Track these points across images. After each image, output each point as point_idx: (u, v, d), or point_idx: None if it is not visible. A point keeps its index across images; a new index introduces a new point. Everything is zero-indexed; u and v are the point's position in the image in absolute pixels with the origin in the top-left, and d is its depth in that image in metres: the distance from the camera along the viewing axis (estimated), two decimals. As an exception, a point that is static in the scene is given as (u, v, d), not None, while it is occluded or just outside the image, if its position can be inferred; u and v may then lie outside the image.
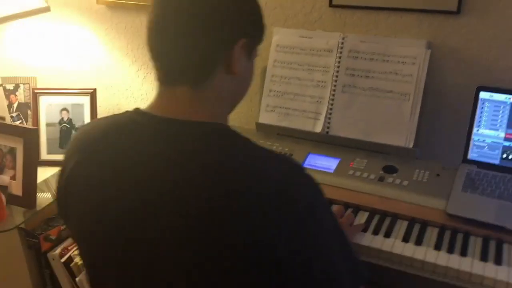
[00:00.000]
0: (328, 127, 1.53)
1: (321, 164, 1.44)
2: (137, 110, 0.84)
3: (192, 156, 0.75)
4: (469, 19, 1.39)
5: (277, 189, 0.72)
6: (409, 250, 1.14)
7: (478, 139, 1.35)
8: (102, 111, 2.00)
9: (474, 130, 1.35)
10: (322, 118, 1.54)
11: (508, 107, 1.31)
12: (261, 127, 1.62)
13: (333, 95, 1.53)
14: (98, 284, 0.84)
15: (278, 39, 1.60)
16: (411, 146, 1.42)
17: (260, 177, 0.73)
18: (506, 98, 1.31)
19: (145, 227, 0.74)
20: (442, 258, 1.11)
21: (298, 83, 1.58)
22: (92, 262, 0.83)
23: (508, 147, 1.32)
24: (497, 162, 1.33)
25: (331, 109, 1.53)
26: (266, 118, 1.61)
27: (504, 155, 1.32)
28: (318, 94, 1.55)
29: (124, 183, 0.76)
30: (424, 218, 1.22)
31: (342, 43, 1.52)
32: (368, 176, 1.37)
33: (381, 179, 1.35)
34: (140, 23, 1.85)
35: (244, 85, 0.89)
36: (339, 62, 1.52)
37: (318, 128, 1.54)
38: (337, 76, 1.52)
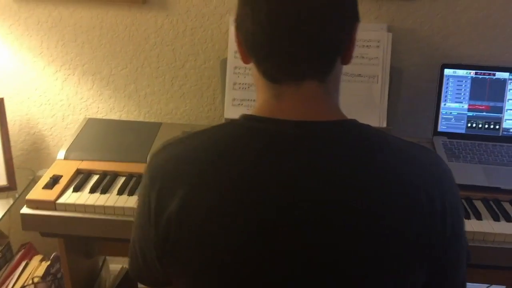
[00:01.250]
0: (302, 116, 1.52)
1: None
2: (253, 117, 0.74)
3: (353, 159, 0.69)
4: (422, 4, 1.50)
5: (437, 179, 0.73)
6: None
7: (446, 112, 1.48)
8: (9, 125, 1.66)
9: (442, 104, 1.48)
10: (295, 107, 1.51)
11: (469, 81, 1.46)
12: (230, 122, 1.52)
13: (304, 83, 1.51)
14: None
15: (236, 29, 1.51)
16: (384, 125, 1.49)
17: (419, 168, 0.72)
18: (467, 73, 1.46)
19: (315, 240, 0.67)
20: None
21: (265, 74, 1.52)
22: None
23: (472, 116, 1.47)
24: (463, 131, 1.48)
25: (303, 97, 1.51)
26: (234, 112, 1.52)
27: (469, 124, 1.48)
28: (287, 83, 1.52)
29: (286, 197, 0.67)
30: (427, 190, 1.30)
31: (307, 30, 1.51)
32: (361, 159, 1.40)
33: (373, 160, 1.39)
34: (59, 16, 1.56)
35: None
36: (306, 49, 1.51)
37: (293, 118, 1.51)
38: (305, 64, 1.51)
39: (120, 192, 1.26)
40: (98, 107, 1.69)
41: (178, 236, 0.70)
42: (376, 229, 0.67)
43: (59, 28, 1.58)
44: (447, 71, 1.47)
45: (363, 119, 1.50)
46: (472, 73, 1.46)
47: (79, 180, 1.30)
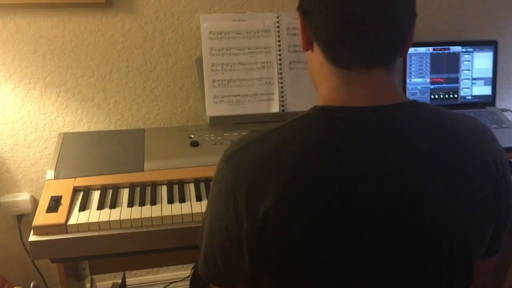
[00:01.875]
0: (283, 105, 1.56)
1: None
2: (328, 108, 0.77)
3: (432, 135, 0.76)
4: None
5: (495, 145, 0.82)
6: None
7: (411, 88, 1.61)
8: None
9: (407, 80, 1.61)
10: (276, 97, 1.55)
11: (429, 57, 1.60)
12: (215, 120, 1.52)
13: (281, 73, 1.55)
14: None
15: (209, 26, 1.50)
16: (359, 106, 1.59)
17: (483, 137, 0.81)
18: (426, 49, 1.60)
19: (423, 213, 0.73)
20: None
21: (242, 68, 1.54)
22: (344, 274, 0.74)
23: (434, 89, 1.62)
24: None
25: (282, 87, 1.55)
26: (216, 110, 1.52)
27: (432, 96, 1.62)
28: (265, 76, 1.55)
29: (385, 181, 0.72)
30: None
31: (278, 22, 1.55)
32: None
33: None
34: (15, 27, 1.44)
35: None
36: (279, 41, 1.55)
37: (275, 108, 1.55)
38: (280, 55, 1.55)
39: (130, 204, 1.21)
40: (64, 121, 1.59)
41: (278, 230, 0.72)
42: (462, 198, 0.74)
43: (16, 40, 1.46)
44: (410, 49, 1.59)
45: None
46: (430, 49, 1.60)
47: (81, 198, 1.23)
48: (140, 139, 1.46)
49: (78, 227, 1.15)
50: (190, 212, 1.19)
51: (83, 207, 1.20)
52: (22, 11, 1.43)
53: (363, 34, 0.74)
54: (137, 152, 1.39)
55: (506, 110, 1.65)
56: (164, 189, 1.29)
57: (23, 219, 1.66)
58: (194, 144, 1.44)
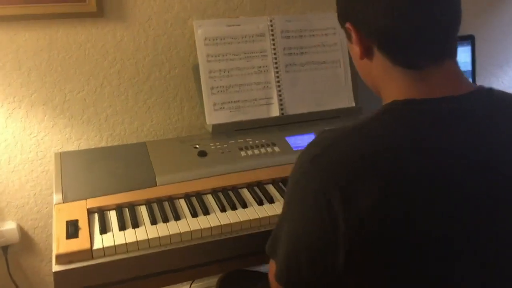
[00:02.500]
0: (282, 108, 1.55)
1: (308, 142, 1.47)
2: (409, 101, 0.76)
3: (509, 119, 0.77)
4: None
5: None
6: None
7: (401, 84, 1.66)
8: None
9: (397, 77, 1.65)
10: (275, 101, 1.54)
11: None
12: (217, 128, 1.48)
13: (278, 76, 1.54)
14: None
15: (204, 32, 1.47)
16: (353, 104, 1.61)
17: None
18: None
19: None
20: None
21: (240, 73, 1.52)
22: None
23: (421, 84, 1.68)
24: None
25: (279, 90, 1.54)
26: (217, 117, 1.49)
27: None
28: (263, 80, 1.53)
29: (484, 170, 0.73)
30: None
31: (272, 26, 1.54)
32: (352, 138, 1.49)
33: (362, 137, 1.50)
34: (9, 38, 1.32)
35: None
36: (273, 44, 1.54)
37: (275, 112, 1.54)
38: (276, 58, 1.54)
39: (153, 222, 1.15)
40: (52, 140, 1.48)
41: (381, 227, 0.70)
42: None
43: (3, 53, 1.34)
44: (397, 47, 1.64)
45: (334, 102, 1.62)
46: (416, 46, 1.66)
47: (98, 220, 1.15)
48: (143, 153, 1.39)
49: (105, 251, 1.07)
50: (219, 224, 1.15)
51: (104, 230, 1.12)
52: (4, 24, 1.32)
53: (431, 33, 0.75)
54: (145, 167, 1.33)
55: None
56: (182, 203, 1.23)
57: (9, 249, 1.53)
58: (202, 154, 1.39)
